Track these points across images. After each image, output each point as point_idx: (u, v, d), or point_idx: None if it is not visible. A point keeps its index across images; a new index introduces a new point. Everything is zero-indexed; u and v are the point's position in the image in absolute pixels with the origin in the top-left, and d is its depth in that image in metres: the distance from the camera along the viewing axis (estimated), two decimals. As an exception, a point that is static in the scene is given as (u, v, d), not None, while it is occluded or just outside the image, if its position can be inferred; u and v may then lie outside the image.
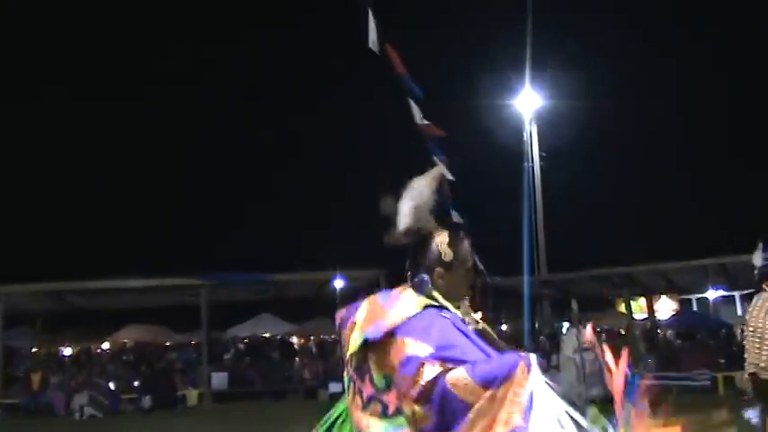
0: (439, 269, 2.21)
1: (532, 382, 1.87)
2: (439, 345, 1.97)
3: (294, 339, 24.82)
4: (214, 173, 44.86)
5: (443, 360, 1.93)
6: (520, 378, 1.87)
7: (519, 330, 17.03)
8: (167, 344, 23.92)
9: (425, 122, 5.02)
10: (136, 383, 16.68)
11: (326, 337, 24.74)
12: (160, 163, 42.01)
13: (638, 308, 24.35)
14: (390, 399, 2.04)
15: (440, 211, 2.29)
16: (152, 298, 19.25)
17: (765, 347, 4.99)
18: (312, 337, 24.74)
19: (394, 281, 2.37)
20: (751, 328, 5.20)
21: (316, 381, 17.72)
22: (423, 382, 1.90)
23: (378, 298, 2.25)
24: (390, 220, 2.27)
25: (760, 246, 5.78)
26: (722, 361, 15.61)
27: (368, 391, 2.11)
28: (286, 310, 25.05)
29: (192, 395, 16.67)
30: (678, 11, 38.23)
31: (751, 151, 35.78)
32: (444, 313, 2.11)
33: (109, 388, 15.84)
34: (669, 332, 22.82)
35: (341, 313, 2.38)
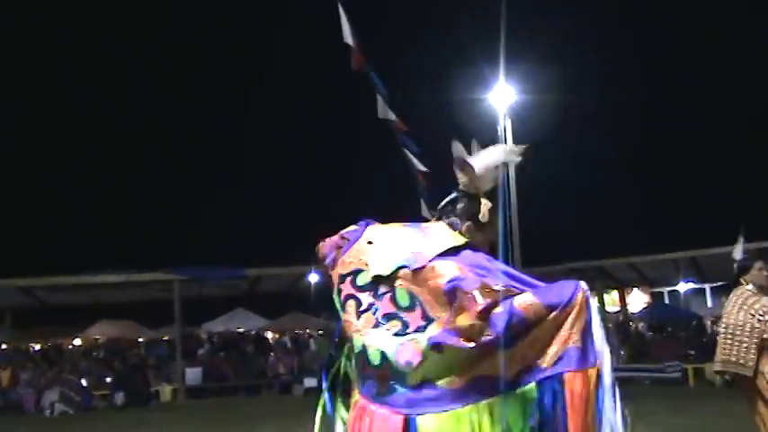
0: (470, 224, 2.31)
1: (591, 308, 2.05)
2: (487, 274, 2.07)
3: (269, 334, 24.72)
4: (187, 167, 44.53)
5: (505, 285, 2.05)
6: (580, 304, 2.03)
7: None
8: (140, 339, 23.70)
9: (392, 118, 4.96)
10: (108, 380, 16.48)
11: (301, 332, 24.69)
12: (132, 158, 41.61)
13: (611, 301, 24.66)
14: (414, 317, 2.11)
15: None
16: (124, 293, 19.06)
17: (737, 344, 4.85)
18: (287, 332, 24.66)
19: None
20: (723, 325, 5.01)
21: (290, 376, 17.66)
22: (486, 299, 1.98)
23: (403, 226, 2.33)
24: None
25: (741, 239, 5.63)
26: (692, 352, 15.85)
27: (387, 308, 2.17)
28: (260, 305, 24.94)
29: (166, 391, 16.55)
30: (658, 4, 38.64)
31: (721, 147, 36.32)
32: (481, 253, 2.21)
33: (81, 384, 15.62)
34: (641, 324, 23.15)
35: (334, 240, 2.39)
